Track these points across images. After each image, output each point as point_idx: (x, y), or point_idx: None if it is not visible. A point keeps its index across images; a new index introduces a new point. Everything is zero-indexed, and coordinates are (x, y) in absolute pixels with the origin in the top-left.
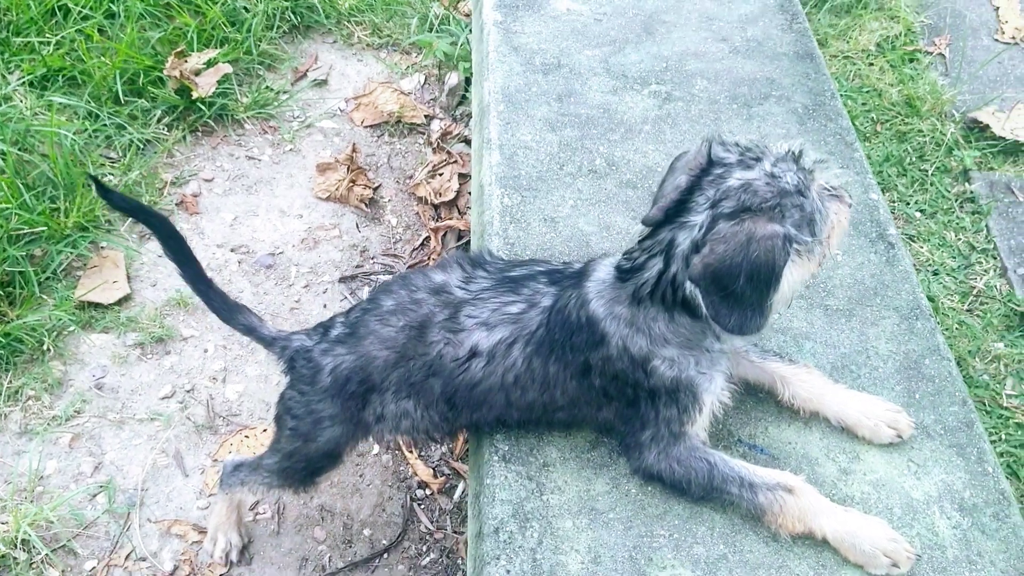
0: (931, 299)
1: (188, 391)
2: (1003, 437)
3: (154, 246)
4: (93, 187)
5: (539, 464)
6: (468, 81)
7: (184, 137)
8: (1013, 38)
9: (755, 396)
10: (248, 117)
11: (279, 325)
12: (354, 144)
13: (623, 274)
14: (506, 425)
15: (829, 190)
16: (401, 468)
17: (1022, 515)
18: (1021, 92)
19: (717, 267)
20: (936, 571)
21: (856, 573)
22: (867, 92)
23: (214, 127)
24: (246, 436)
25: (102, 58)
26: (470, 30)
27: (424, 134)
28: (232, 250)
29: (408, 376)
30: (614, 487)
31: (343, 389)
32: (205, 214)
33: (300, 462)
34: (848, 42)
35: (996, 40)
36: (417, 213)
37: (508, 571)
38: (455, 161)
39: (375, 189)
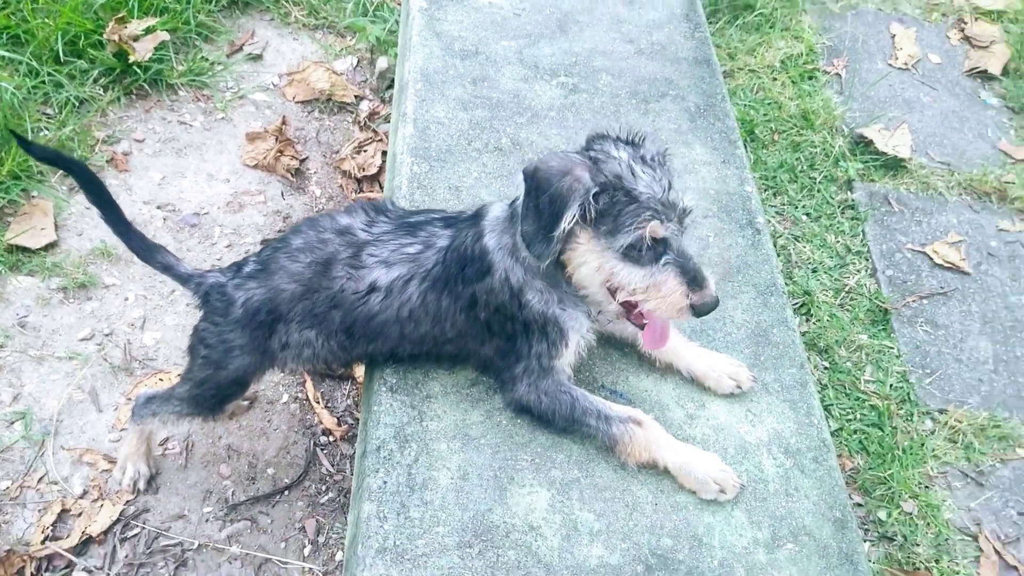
0: (808, 293)
1: (107, 335)
2: (857, 417)
3: (83, 198)
4: (14, 140)
5: (422, 396)
6: None
7: (119, 99)
8: (905, 63)
9: (620, 349)
10: (183, 84)
11: None
12: (284, 116)
13: (513, 209)
14: (398, 359)
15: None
16: (307, 416)
17: (852, 439)
18: (907, 113)
19: (539, 174)
20: (758, 500)
21: (689, 499)
22: (769, 104)
23: (149, 91)
24: (160, 379)
25: (46, 19)
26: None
27: (353, 113)
28: (158, 207)
29: (312, 308)
30: (487, 418)
31: (253, 319)
32: (134, 172)
33: (210, 389)
34: (755, 57)
35: (890, 65)
36: (340, 185)
37: (385, 482)
38: (380, 140)
39: (302, 161)
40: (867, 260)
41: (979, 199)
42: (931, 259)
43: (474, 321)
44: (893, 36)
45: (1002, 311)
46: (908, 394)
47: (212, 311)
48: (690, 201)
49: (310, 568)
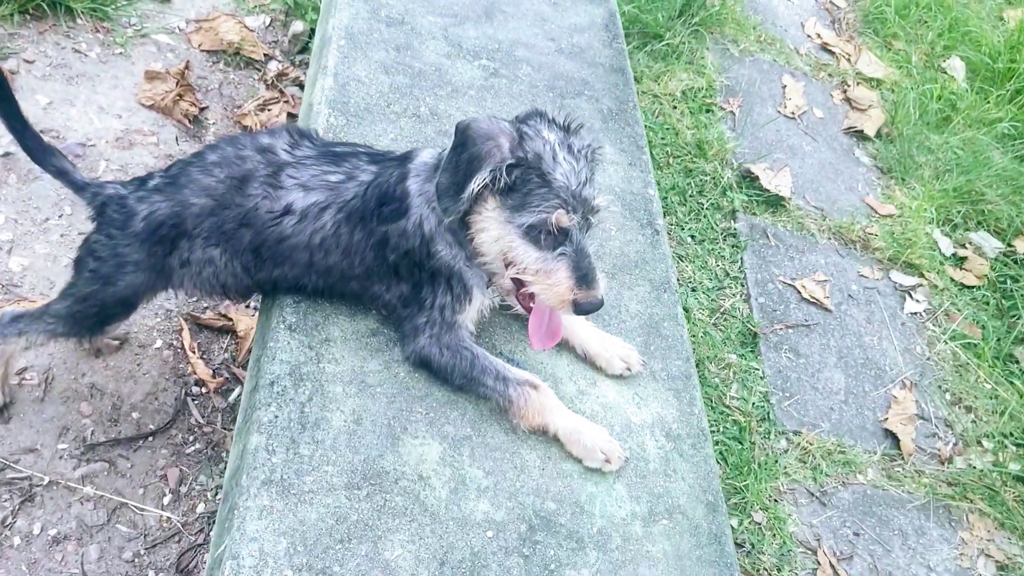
0: (686, 310)
1: None
2: (720, 430)
3: None
4: None
5: (321, 338)
6: (312, 32)
7: (12, 16)
8: (793, 112)
9: (520, 322)
10: (83, 12)
11: (78, 213)
12: (188, 61)
13: (440, 158)
14: (302, 289)
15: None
16: (181, 366)
17: (714, 450)
18: (790, 158)
19: (467, 132)
20: (639, 476)
21: (575, 468)
22: (667, 129)
23: (47, 12)
24: (21, 306)
25: None
26: None
27: (260, 71)
28: (41, 131)
29: (221, 224)
30: (385, 368)
31: (154, 234)
32: (18, 92)
33: (94, 307)
34: (659, 84)
35: (779, 111)
36: None
37: (276, 416)
38: (286, 101)
39: (201, 109)
40: (743, 286)
41: (845, 245)
42: (799, 293)
43: (382, 262)
44: (784, 87)
45: (856, 349)
46: (768, 413)
47: (108, 223)
48: (602, 201)
49: (168, 517)
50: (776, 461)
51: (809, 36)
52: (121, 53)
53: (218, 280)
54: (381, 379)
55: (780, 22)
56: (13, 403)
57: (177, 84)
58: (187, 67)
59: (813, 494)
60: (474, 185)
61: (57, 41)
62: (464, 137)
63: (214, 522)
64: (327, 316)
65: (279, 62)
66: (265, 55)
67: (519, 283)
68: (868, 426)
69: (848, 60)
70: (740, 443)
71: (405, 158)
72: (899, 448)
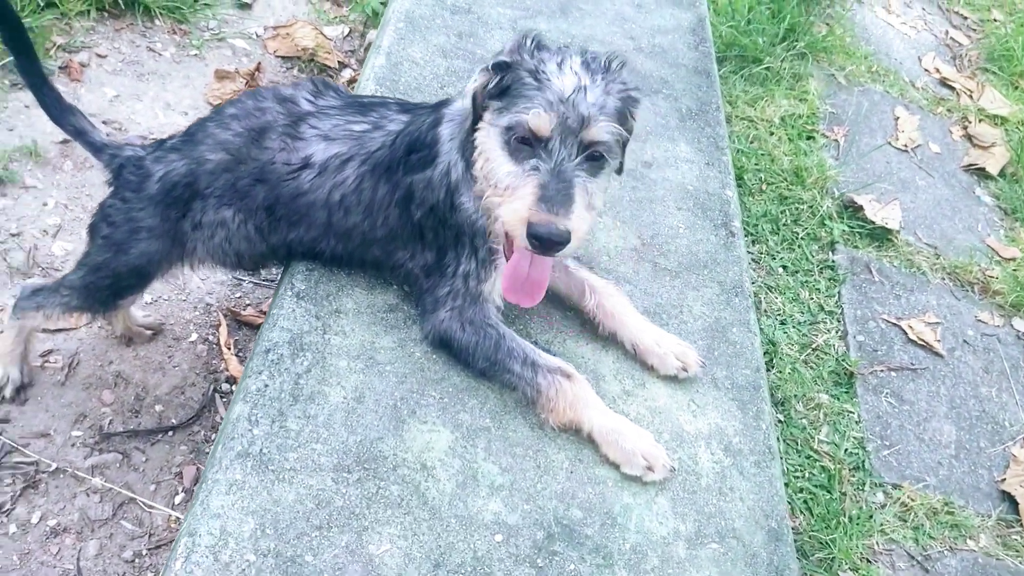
0: (773, 343)
1: (14, 235)
2: (806, 475)
3: (25, 95)
4: None
5: (331, 309)
6: None
7: (88, 11)
8: (905, 146)
9: (563, 310)
10: (161, 13)
11: None
12: (259, 63)
13: None
14: (319, 257)
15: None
16: (214, 361)
17: (797, 498)
18: (900, 191)
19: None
20: (687, 491)
21: (610, 474)
22: (762, 155)
23: (124, 11)
24: None
25: None
26: None
27: (333, 78)
28: (104, 122)
29: (235, 181)
30: (399, 347)
31: (168, 195)
32: (87, 84)
33: (106, 277)
34: (755, 109)
35: (889, 143)
36: None
37: (266, 385)
38: None
39: None
40: (839, 322)
41: (961, 287)
42: (905, 334)
43: (407, 221)
44: (897, 118)
45: (971, 400)
46: (863, 462)
47: (123, 186)
48: (604, 124)
49: (177, 517)
50: (871, 516)
51: (927, 70)
52: (196, 55)
53: (231, 245)
54: (393, 357)
55: (895, 55)
56: (32, 385)
57: (246, 84)
58: (258, 68)
59: (914, 558)
60: (471, 86)
61: (132, 39)
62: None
63: None
64: (341, 287)
65: (353, 70)
66: (340, 63)
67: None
68: (982, 486)
69: (970, 96)
70: (828, 492)
71: (440, 104)
72: (1018, 513)
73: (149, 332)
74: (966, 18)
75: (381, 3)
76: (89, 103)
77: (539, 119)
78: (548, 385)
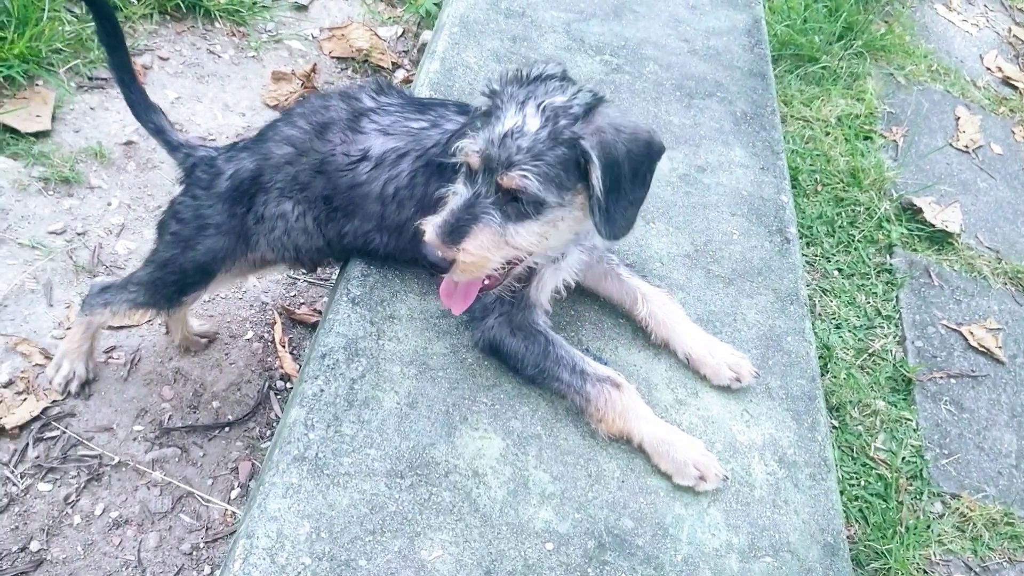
0: (827, 348)
1: (79, 234)
2: (862, 484)
3: (91, 97)
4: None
5: (386, 315)
6: None
7: (151, 15)
8: (966, 146)
9: (614, 317)
10: (221, 16)
11: None
12: (316, 64)
13: None
14: (373, 254)
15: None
16: (269, 359)
17: (852, 507)
18: (961, 193)
19: None
20: (740, 503)
21: (662, 484)
22: (817, 155)
23: (185, 14)
24: None
25: None
26: None
27: (387, 78)
28: None
29: (297, 174)
30: (452, 352)
31: (236, 190)
32: (150, 87)
33: (173, 274)
34: (811, 109)
35: (950, 144)
36: None
37: (322, 390)
38: None
39: None
40: (897, 327)
41: None
42: (966, 340)
43: None
44: (957, 118)
45: None
46: (921, 471)
47: (195, 183)
48: (520, 171)
49: (233, 512)
50: (928, 526)
51: (989, 69)
52: (254, 56)
53: (289, 238)
54: (445, 363)
55: (956, 53)
56: (96, 380)
57: (302, 85)
58: (314, 69)
59: (972, 569)
60: (474, 105)
61: (193, 42)
62: None
63: None
64: (395, 293)
65: (406, 70)
66: (393, 63)
67: None
68: None
69: None
70: (885, 501)
71: None
72: None
73: (204, 340)
74: None
75: (435, 4)
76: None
77: (469, 153)
78: (597, 394)
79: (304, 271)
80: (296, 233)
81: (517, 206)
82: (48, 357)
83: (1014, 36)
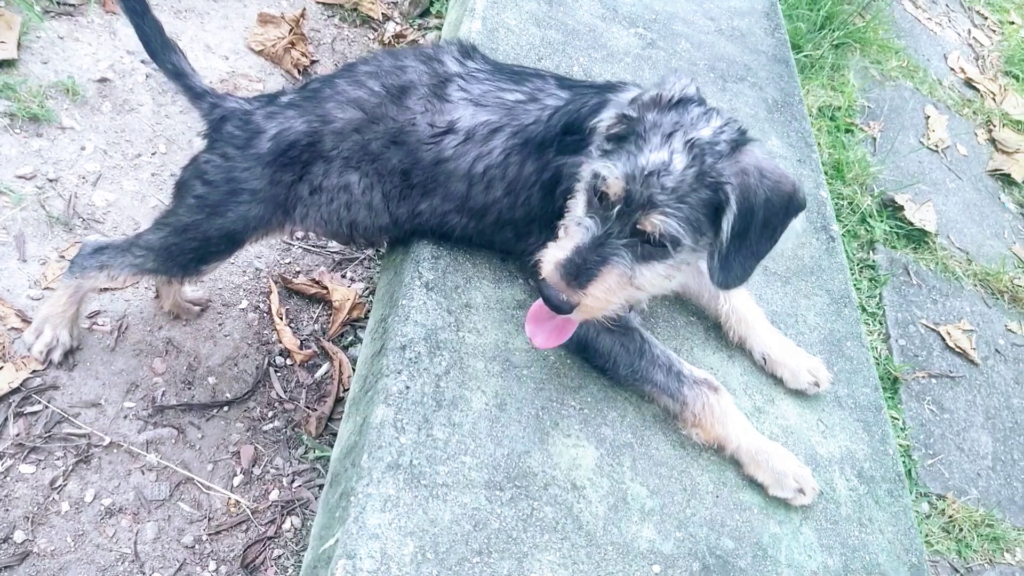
0: None
1: (51, 180)
2: None
3: (59, 25)
4: None
5: (461, 303)
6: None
7: None
8: (936, 146)
9: (686, 315)
10: None
11: (173, 153)
12: (304, 9)
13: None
14: (446, 235)
15: None
16: (266, 332)
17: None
18: (932, 193)
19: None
20: (829, 521)
21: (755, 499)
22: None
23: None
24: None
25: None
26: None
27: (377, 31)
28: (143, 61)
29: (367, 143)
30: (533, 349)
31: (283, 155)
32: (123, 18)
33: (193, 240)
34: None
35: (921, 143)
36: None
37: (408, 387)
38: None
39: (312, 62)
40: (882, 324)
41: (992, 295)
42: (944, 340)
43: (548, 205)
44: (927, 117)
45: (1003, 410)
46: (909, 471)
47: (226, 141)
48: (662, 215)
49: (237, 500)
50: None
51: (952, 69)
52: None
53: (349, 212)
54: (528, 360)
55: (923, 51)
56: (81, 348)
57: (291, 32)
58: (303, 15)
59: (957, 571)
60: (596, 121)
61: None
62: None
63: (288, 512)
64: (468, 279)
65: (397, 23)
66: (384, 15)
67: None
68: (1017, 499)
69: (993, 99)
70: None
71: (608, 88)
72: None
73: (197, 308)
74: (986, 18)
75: None
76: (127, 39)
77: (612, 184)
78: (695, 398)
79: (353, 247)
80: (358, 208)
81: (649, 248)
82: (25, 320)
83: (973, 38)
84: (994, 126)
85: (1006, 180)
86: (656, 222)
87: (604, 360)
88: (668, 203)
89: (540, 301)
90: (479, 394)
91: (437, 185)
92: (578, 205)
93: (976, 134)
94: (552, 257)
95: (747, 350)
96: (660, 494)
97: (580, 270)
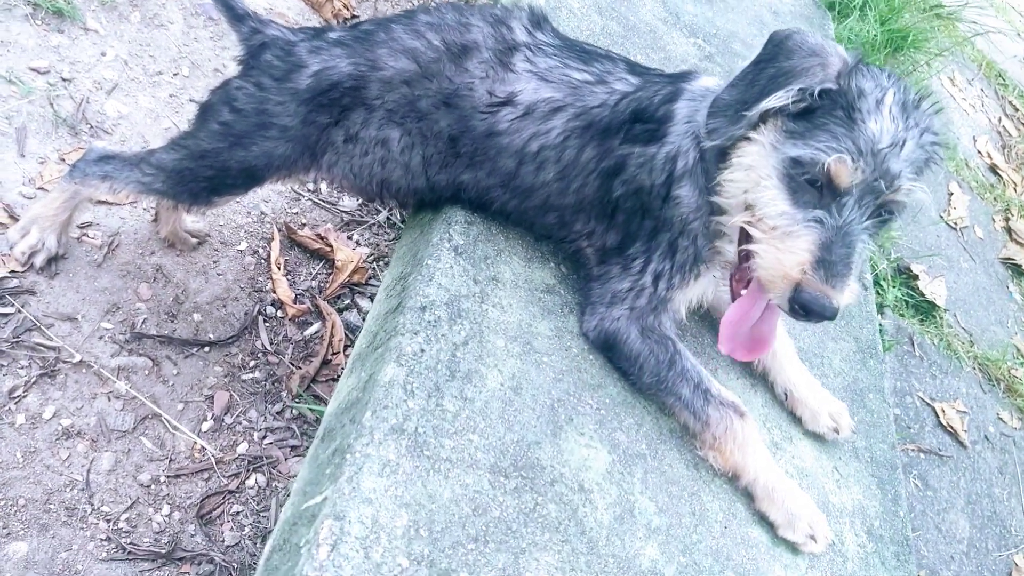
0: None
1: (65, 79)
2: None
3: None
4: None
5: (489, 275)
6: None
7: None
8: (955, 223)
9: (713, 333)
10: None
11: (195, 78)
12: None
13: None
14: (484, 208)
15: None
16: (261, 279)
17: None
18: (946, 269)
19: (787, 42)
20: (834, 575)
21: (763, 537)
22: None
23: None
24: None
25: None
26: None
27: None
28: None
29: (415, 99)
30: (557, 336)
31: (323, 95)
32: None
33: (209, 168)
34: None
35: (941, 217)
36: None
37: (423, 350)
38: None
39: (353, 16)
40: (885, 382)
41: (989, 380)
42: (937, 417)
43: (604, 195)
44: (951, 194)
45: (984, 498)
46: None
47: (262, 69)
48: (910, 183)
49: (203, 447)
50: None
51: (980, 152)
52: None
53: (383, 170)
54: (550, 347)
55: (955, 128)
56: (66, 257)
57: None
58: None
59: None
60: (771, 102)
61: None
62: (779, 48)
63: (254, 469)
64: (500, 251)
65: None
66: None
67: (743, 259)
68: None
69: (1014, 189)
70: None
71: (681, 77)
72: None
73: (195, 241)
74: (1017, 109)
75: None
76: None
77: (843, 169)
78: (719, 420)
79: (379, 205)
80: (393, 167)
81: (879, 223)
82: (12, 217)
83: (1003, 126)
84: (1012, 215)
85: (1016, 270)
86: (906, 193)
87: (630, 364)
88: (910, 176)
89: (736, 315)
90: (495, 372)
91: (486, 158)
92: (771, 198)
93: (994, 219)
94: (786, 262)
95: (770, 382)
96: (668, 513)
97: (836, 267)
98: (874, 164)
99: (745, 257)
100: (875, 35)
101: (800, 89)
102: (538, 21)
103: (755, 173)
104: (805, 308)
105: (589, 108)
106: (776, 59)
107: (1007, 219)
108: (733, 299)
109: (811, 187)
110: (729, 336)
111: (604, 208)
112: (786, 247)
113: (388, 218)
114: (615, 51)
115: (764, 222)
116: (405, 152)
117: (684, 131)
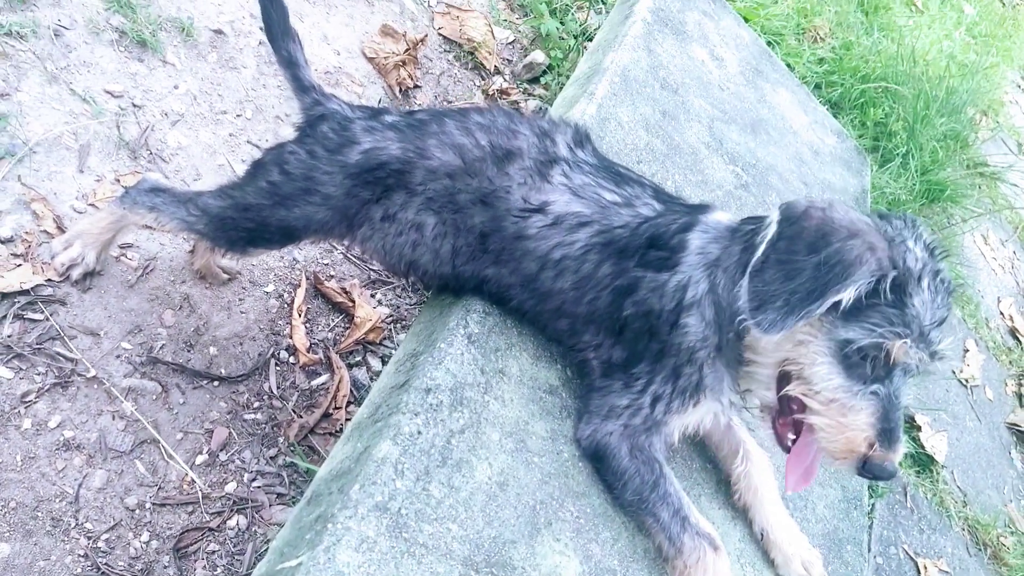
0: None
1: (135, 105)
2: None
3: None
4: None
5: (496, 367)
6: (549, 67)
7: None
8: (967, 380)
9: (703, 460)
10: None
11: (256, 122)
12: (427, 35)
13: (745, 223)
14: (502, 303)
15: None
16: (280, 323)
17: None
18: (950, 425)
19: (812, 222)
20: None
21: None
22: None
23: None
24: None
25: None
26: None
27: (484, 80)
28: (261, 28)
29: (455, 192)
30: (551, 439)
31: (369, 173)
32: None
33: (251, 222)
34: None
35: (954, 372)
36: None
37: (420, 432)
38: None
39: (415, 87)
40: (867, 536)
41: (976, 544)
42: (919, 572)
43: (614, 311)
44: (966, 351)
45: None
46: None
47: (317, 139)
48: (949, 351)
49: (193, 479)
50: None
51: (1002, 314)
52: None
53: (413, 252)
54: (543, 448)
55: (980, 286)
56: (101, 274)
57: (406, 51)
58: (423, 40)
59: None
60: (835, 299)
61: None
62: (807, 229)
63: (238, 510)
64: (511, 345)
65: (505, 80)
66: (496, 68)
67: (790, 407)
68: None
69: None
70: None
71: (698, 209)
72: None
73: (226, 276)
74: None
75: (558, 28)
76: (251, 6)
77: (903, 352)
78: (692, 549)
79: (403, 281)
80: (423, 251)
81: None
82: (60, 228)
83: None
84: None
85: (1021, 437)
86: (941, 366)
87: (615, 479)
88: (948, 347)
89: (800, 458)
90: (486, 465)
91: (511, 258)
92: (826, 374)
93: (1006, 383)
94: (852, 438)
95: (749, 518)
96: None
97: (894, 433)
98: (923, 342)
99: (790, 406)
100: (913, 184)
101: (870, 281)
102: (581, 140)
103: (804, 350)
104: (873, 475)
105: (612, 227)
106: (812, 243)
107: (1020, 384)
108: (779, 441)
109: (863, 361)
110: (794, 476)
111: (613, 324)
112: (849, 423)
113: (414, 287)
114: (655, 167)
115: (821, 395)
116: (437, 239)
117: (696, 262)
